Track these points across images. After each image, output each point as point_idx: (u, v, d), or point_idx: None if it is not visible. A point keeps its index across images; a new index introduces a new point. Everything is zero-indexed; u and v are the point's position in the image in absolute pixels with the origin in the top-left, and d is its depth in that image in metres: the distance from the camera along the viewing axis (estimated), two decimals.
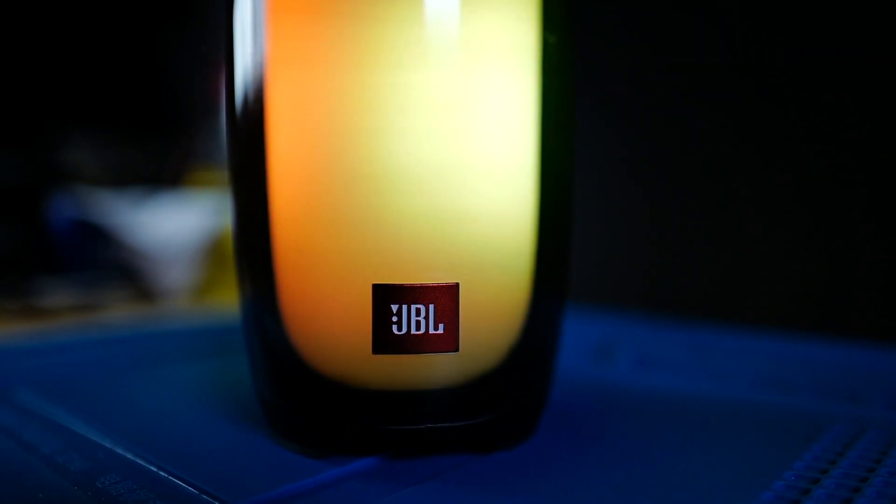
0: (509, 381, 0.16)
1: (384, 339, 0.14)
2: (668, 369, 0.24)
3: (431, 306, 0.14)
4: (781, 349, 0.27)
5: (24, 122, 0.69)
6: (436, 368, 0.15)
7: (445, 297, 0.14)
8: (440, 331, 0.14)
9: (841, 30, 0.33)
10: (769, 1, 0.36)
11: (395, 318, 0.14)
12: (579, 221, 0.19)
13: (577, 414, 0.20)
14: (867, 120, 0.33)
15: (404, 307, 0.14)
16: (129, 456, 0.16)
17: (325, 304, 0.15)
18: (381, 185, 0.14)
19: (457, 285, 0.14)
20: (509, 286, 0.16)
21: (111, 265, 0.57)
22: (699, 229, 0.39)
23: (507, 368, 0.16)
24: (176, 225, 0.59)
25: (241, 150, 0.16)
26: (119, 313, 0.49)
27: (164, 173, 0.70)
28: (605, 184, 0.42)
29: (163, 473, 0.15)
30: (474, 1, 0.14)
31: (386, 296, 0.14)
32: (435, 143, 0.14)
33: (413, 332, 0.14)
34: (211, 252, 0.59)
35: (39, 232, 0.59)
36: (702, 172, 0.39)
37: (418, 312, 0.14)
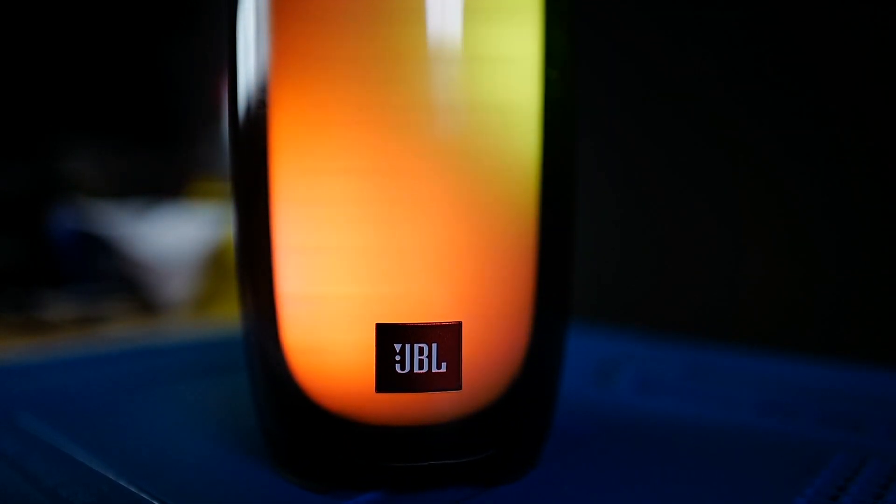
0: (511, 416, 0.16)
1: (387, 378, 0.14)
2: (669, 393, 0.24)
3: (434, 345, 0.14)
4: (783, 372, 0.27)
5: (25, 132, 0.69)
6: (438, 405, 0.15)
7: (448, 336, 0.14)
8: (443, 369, 0.14)
9: (836, 51, 0.33)
10: (761, 19, 0.36)
11: (398, 357, 0.14)
12: (578, 237, 0.19)
13: (579, 442, 0.20)
14: (867, 130, 0.33)
15: (407, 346, 0.14)
16: (133, 489, 0.16)
17: (329, 342, 0.15)
18: (385, 221, 0.14)
19: (459, 324, 0.14)
20: (511, 322, 0.16)
21: (113, 277, 0.57)
22: (700, 249, 0.39)
23: (509, 404, 0.16)
24: (178, 236, 0.59)
25: (243, 162, 0.16)
26: (121, 326, 0.49)
27: (165, 184, 0.70)
28: (604, 200, 0.42)
29: None
30: (479, 29, 0.15)
31: (389, 335, 0.14)
32: (439, 176, 0.15)
33: (416, 370, 0.14)
34: (213, 263, 0.59)
35: (41, 244, 0.59)
36: (703, 192, 0.39)
37: (421, 351, 0.14)
